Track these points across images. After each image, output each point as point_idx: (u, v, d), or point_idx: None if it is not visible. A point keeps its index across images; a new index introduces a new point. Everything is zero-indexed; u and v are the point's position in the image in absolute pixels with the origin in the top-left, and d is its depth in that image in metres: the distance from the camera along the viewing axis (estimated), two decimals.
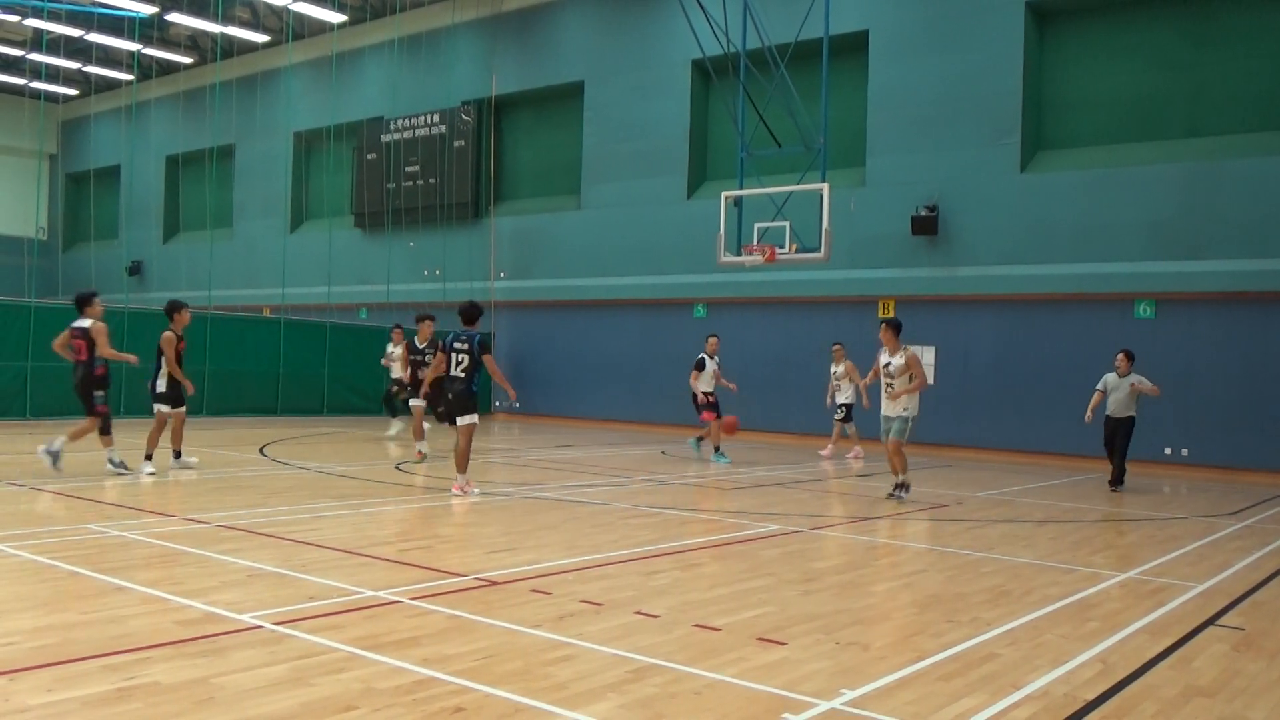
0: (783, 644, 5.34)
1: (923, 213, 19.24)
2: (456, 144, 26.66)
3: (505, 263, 26.09)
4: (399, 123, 27.93)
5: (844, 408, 17.71)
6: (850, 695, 4.53)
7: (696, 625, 5.65)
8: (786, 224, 16.69)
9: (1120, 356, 13.90)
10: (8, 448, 14.22)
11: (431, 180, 27.11)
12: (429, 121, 27.29)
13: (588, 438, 20.60)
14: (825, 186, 16.23)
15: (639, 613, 5.89)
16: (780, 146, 17.91)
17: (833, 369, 17.68)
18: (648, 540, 8.53)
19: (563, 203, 25.48)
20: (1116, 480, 13.96)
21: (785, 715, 4.24)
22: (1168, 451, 17.30)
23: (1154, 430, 17.31)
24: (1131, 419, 13.86)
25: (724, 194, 17.62)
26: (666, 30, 22.78)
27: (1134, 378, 13.76)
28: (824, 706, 4.36)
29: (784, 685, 4.63)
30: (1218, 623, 6.30)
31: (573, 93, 25.08)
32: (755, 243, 17.04)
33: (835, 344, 17.70)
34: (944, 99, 19.40)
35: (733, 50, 17.92)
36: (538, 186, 26.44)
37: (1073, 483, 14.98)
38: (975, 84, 19.08)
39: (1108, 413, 13.89)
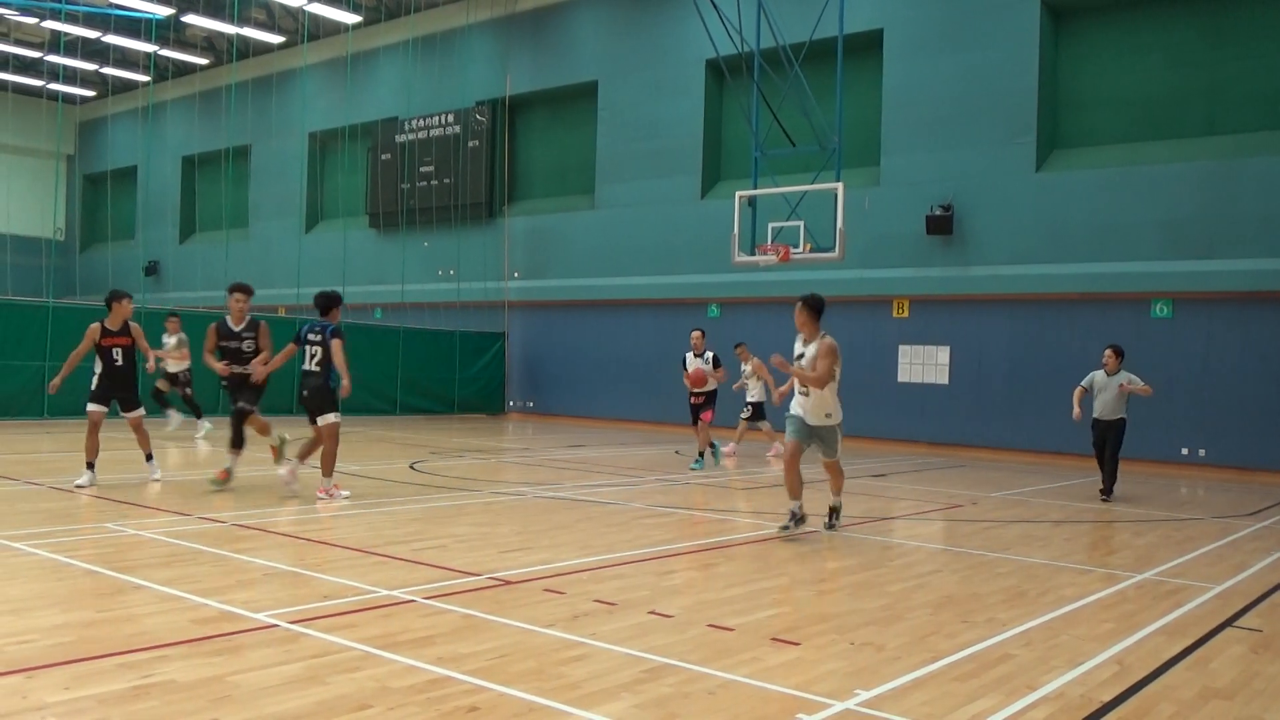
0: (797, 644, 5.33)
1: (937, 212, 19.18)
2: (471, 144, 26.71)
3: (519, 262, 26.12)
4: (413, 123, 28.00)
5: (750, 406, 17.24)
6: (865, 696, 4.52)
7: (710, 625, 5.65)
8: (801, 224, 16.66)
9: (1108, 353, 12.73)
10: (26, 447, 14.32)
11: (446, 180, 27.17)
12: (443, 122, 27.35)
13: (601, 437, 20.61)
14: (840, 186, 16.20)
15: (653, 612, 5.89)
16: (794, 146, 17.88)
17: (742, 368, 16.91)
18: (661, 540, 8.53)
19: (576, 202, 25.50)
20: (1108, 490, 12.74)
21: (799, 716, 4.23)
22: (1185, 452, 17.20)
23: (1171, 430, 17.22)
24: (1122, 422, 12.69)
25: (738, 193, 17.60)
26: (680, 30, 22.77)
27: (1124, 377, 12.56)
28: (838, 707, 4.35)
29: (798, 685, 4.62)
30: (1236, 624, 6.25)
31: (587, 92, 25.09)
32: (769, 242, 17.02)
33: (738, 344, 16.78)
34: (959, 98, 19.33)
35: (747, 50, 17.90)
36: (552, 186, 26.46)
37: (1089, 483, 14.90)
38: (990, 83, 19.01)
39: (1095, 415, 12.78)
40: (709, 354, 15.11)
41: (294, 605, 5.73)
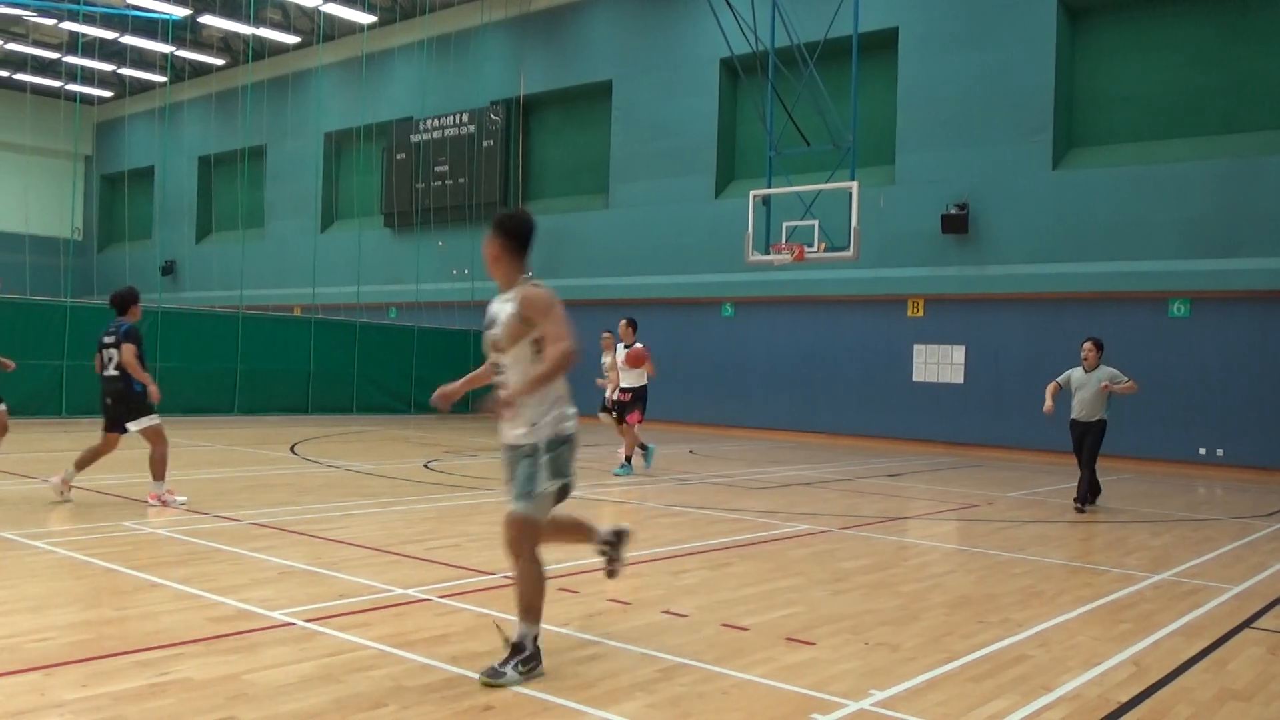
0: (811, 644, 5.32)
1: (953, 211, 19.11)
2: (485, 144, 26.77)
3: (533, 262, 26.00)
4: (428, 123, 28.07)
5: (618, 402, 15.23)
6: (879, 696, 4.50)
7: (725, 625, 5.64)
8: (815, 223, 16.63)
9: (1087, 346, 11.50)
10: (44, 446, 14.41)
11: (460, 180, 27.23)
12: (458, 121, 27.41)
13: (614, 437, 20.57)
14: (854, 185, 16.18)
15: (667, 612, 5.89)
16: (809, 145, 17.85)
17: (602, 360, 14.66)
18: (675, 539, 8.53)
19: (590, 202, 25.52)
20: (1083, 499, 11.42)
21: (814, 715, 4.22)
22: (1202, 452, 17.09)
23: (1189, 430, 17.11)
24: (1102, 424, 11.42)
25: (752, 193, 17.59)
26: (695, 29, 22.75)
27: (1105, 374, 11.34)
28: (853, 707, 4.34)
29: (812, 685, 4.61)
30: (1254, 625, 6.21)
31: (601, 92, 25.11)
32: (784, 241, 17.00)
33: (605, 332, 14.76)
34: (975, 96, 19.26)
35: (761, 49, 17.88)
36: (566, 186, 26.49)
37: (1104, 483, 14.82)
38: (1006, 80, 18.93)
39: (1073, 416, 11.51)
40: (638, 346, 13.51)
41: (309, 604, 5.76)
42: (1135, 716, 4.42)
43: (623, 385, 13.42)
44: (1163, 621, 6.17)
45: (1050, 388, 11.76)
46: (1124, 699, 4.62)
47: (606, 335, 14.38)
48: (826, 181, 17.21)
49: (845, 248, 16.09)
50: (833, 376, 20.83)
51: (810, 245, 16.53)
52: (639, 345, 13.35)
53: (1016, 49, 18.86)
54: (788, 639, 5.40)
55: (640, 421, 13.44)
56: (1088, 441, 11.44)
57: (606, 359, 14.28)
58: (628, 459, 13.44)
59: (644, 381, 13.52)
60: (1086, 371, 11.45)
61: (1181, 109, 17.98)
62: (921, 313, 19.86)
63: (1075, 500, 11.45)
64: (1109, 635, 5.78)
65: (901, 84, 20.25)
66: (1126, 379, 11.38)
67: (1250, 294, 16.70)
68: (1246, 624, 6.23)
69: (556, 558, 7.45)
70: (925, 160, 19.86)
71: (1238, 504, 13.05)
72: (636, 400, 13.44)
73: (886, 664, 5.03)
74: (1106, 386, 11.27)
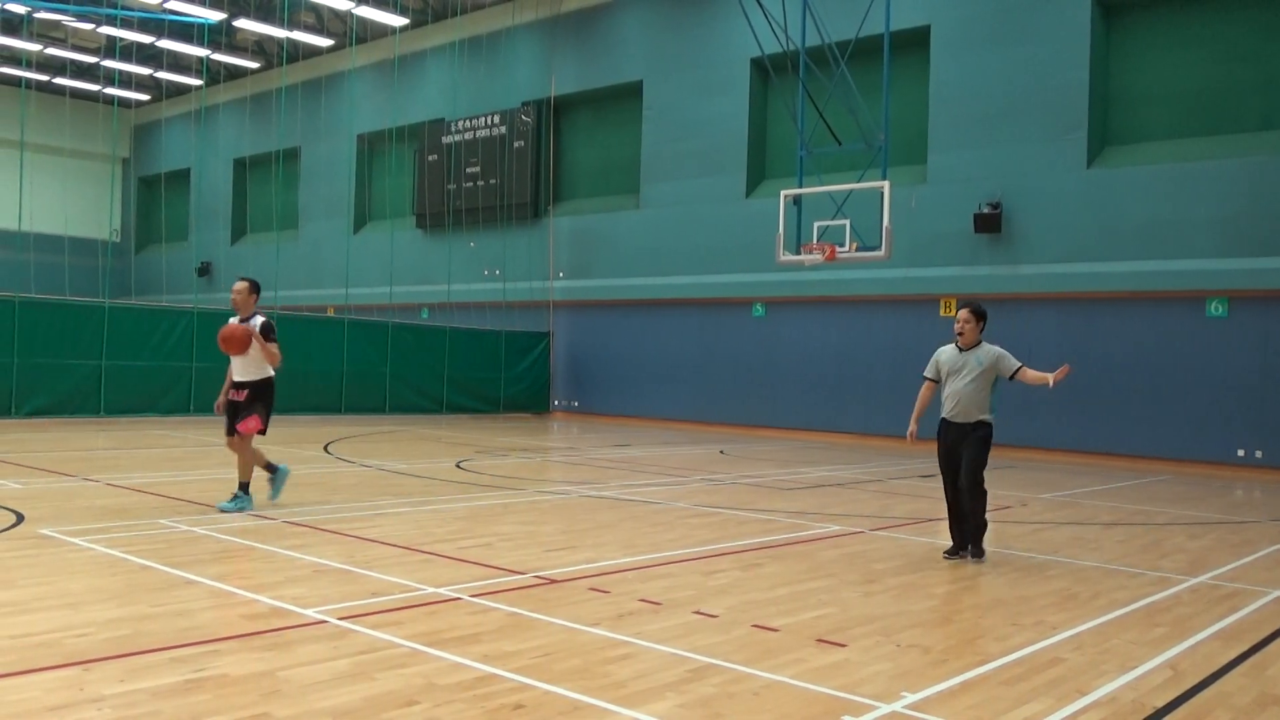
0: (843, 645, 5.29)
1: (985, 210, 18.97)
2: (516, 144, 26.86)
3: (564, 262, 26.21)
4: (460, 124, 28.20)
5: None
6: (911, 698, 4.48)
7: (755, 625, 5.63)
8: (846, 222, 16.56)
9: (963, 315, 8.02)
10: (82, 444, 14.62)
11: (492, 181, 27.35)
12: (489, 123, 27.53)
13: (646, 437, 20.63)
14: (886, 184, 16.09)
15: (698, 612, 5.88)
16: (840, 144, 17.78)
17: None
18: (706, 540, 8.52)
19: (621, 202, 25.54)
20: (964, 541, 7.93)
21: (845, 717, 4.21)
22: (1240, 453, 16.85)
23: (1226, 431, 16.88)
24: (983, 429, 7.92)
25: (783, 192, 17.54)
26: (725, 29, 22.72)
27: (987, 354, 7.91)
28: (884, 709, 4.32)
29: (843, 687, 4.59)
30: None
31: (631, 92, 25.13)
32: (815, 241, 16.94)
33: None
34: (1008, 94, 19.10)
35: (792, 48, 17.83)
36: (596, 186, 26.53)
37: (1140, 484, 14.66)
38: (1040, 78, 18.76)
39: (943, 415, 8.06)
40: (257, 319, 9.19)
41: (343, 602, 5.80)
42: None
43: (235, 379, 9.23)
44: (1200, 625, 6.09)
45: (922, 394, 8.31)
46: (1160, 703, 4.57)
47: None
48: (858, 181, 17.13)
49: (877, 247, 16.01)
50: (864, 377, 20.72)
51: (842, 245, 16.46)
52: (259, 319, 9.18)
53: (1050, 46, 18.68)
54: (819, 640, 5.38)
55: (261, 431, 9.17)
56: (964, 453, 7.89)
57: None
58: (244, 486, 9.19)
59: (266, 374, 9.25)
60: (961, 351, 8.03)
61: (1218, 106, 17.74)
62: (954, 313, 19.68)
63: (947, 551, 8.01)
64: (1145, 639, 5.71)
65: (933, 82, 20.11)
66: (1018, 363, 8.03)
67: None
68: None
69: (588, 558, 7.47)
70: (957, 159, 19.71)
71: (1277, 506, 12.85)
72: (255, 401, 9.19)
73: (919, 666, 5.00)
74: (991, 367, 7.83)
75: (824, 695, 4.48)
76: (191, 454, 14.03)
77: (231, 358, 9.17)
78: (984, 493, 7.97)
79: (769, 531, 9.12)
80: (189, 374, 20.17)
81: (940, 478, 8.26)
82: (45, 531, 7.69)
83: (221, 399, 9.24)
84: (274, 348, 9.09)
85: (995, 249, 19.15)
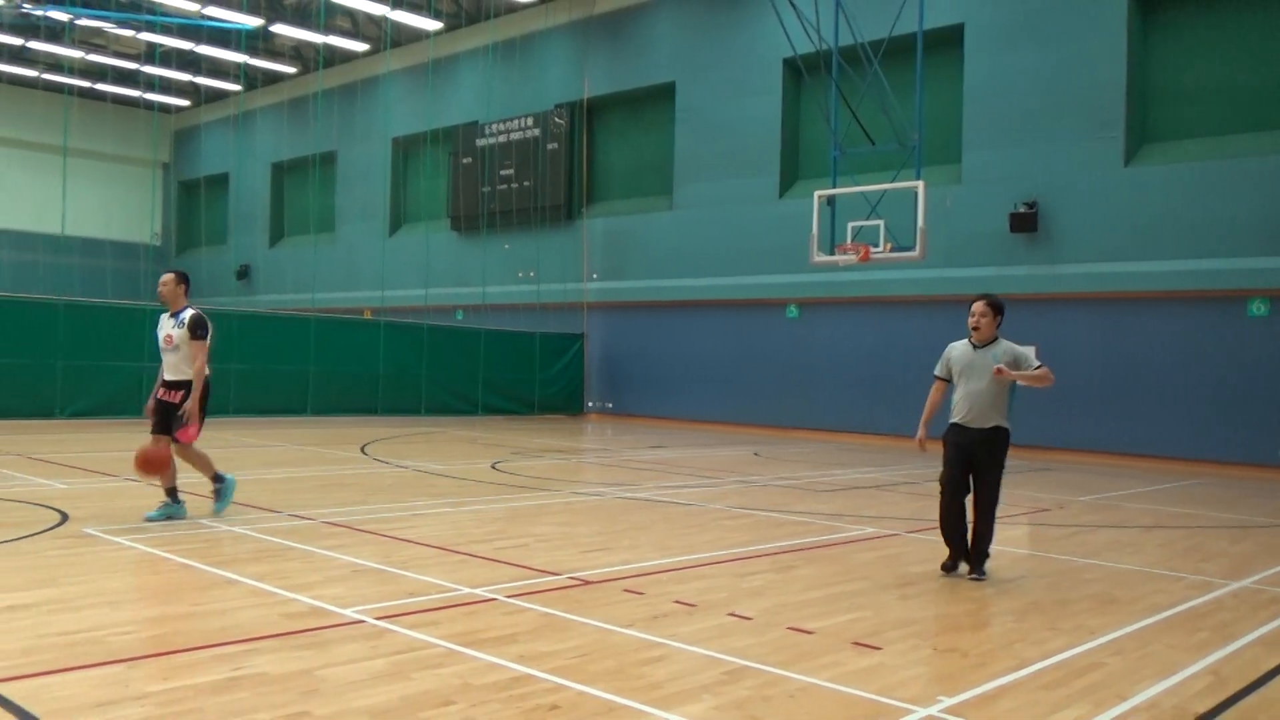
0: (878, 649, 5.27)
1: (1021, 209, 18.80)
2: (550, 147, 26.95)
3: (598, 264, 26.27)
4: (493, 127, 28.35)
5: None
6: (948, 702, 4.45)
7: (791, 628, 5.62)
8: (881, 222, 16.48)
9: (978, 308, 7.36)
10: (124, 445, 14.83)
11: (525, 183, 27.46)
12: (523, 125, 27.65)
13: (680, 438, 20.62)
14: (920, 184, 16.00)
15: (732, 614, 5.88)
16: (874, 144, 17.70)
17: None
18: (741, 542, 8.51)
19: (654, 203, 25.56)
20: (961, 555, 7.34)
21: None
22: None
23: (1269, 433, 16.61)
24: (999, 435, 7.26)
25: (816, 193, 17.48)
26: (758, 29, 22.68)
27: (1003, 351, 7.26)
28: (921, 713, 4.30)
29: (879, 690, 4.58)
30: None
31: (664, 93, 25.14)
32: (849, 242, 16.87)
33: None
34: (1043, 92, 18.91)
35: (825, 48, 17.77)
36: (630, 187, 26.57)
37: (1181, 487, 14.47)
38: (1075, 75, 18.56)
39: (955, 418, 7.37)
40: (186, 312, 8.53)
41: (380, 602, 5.86)
42: None
43: (166, 378, 8.58)
44: (1242, 630, 6.01)
45: (932, 397, 7.68)
46: (1202, 709, 4.51)
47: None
48: (892, 181, 17.04)
49: (911, 248, 15.91)
50: (899, 378, 20.59)
51: (876, 245, 16.38)
52: (189, 312, 8.52)
53: (1086, 43, 18.48)
54: (854, 643, 5.36)
55: (192, 439, 8.51)
56: (982, 462, 7.24)
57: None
58: (171, 493, 8.58)
59: (200, 373, 8.50)
60: (975, 348, 7.39)
61: (1258, 101, 17.45)
62: None
63: (945, 566, 7.38)
64: (1186, 644, 5.64)
65: (967, 81, 19.96)
66: (1039, 364, 7.39)
67: None
68: None
69: (622, 559, 7.48)
70: (992, 158, 19.55)
71: None
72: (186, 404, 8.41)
73: (955, 670, 4.98)
74: (1001, 371, 7.11)
75: (860, 698, 4.46)
76: (232, 455, 14.20)
77: (163, 355, 8.53)
78: (995, 511, 7.34)
79: (803, 533, 9.09)
80: (229, 376, 20.41)
81: (942, 486, 7.35)
82: (89, 531, 7.82)
83: (151, 400, 8.61)
84: (202, 350, 8.38)
85: (1031, 249, 18.97)
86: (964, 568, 7.40)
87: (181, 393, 8.49)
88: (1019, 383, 7.36)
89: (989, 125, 19.63)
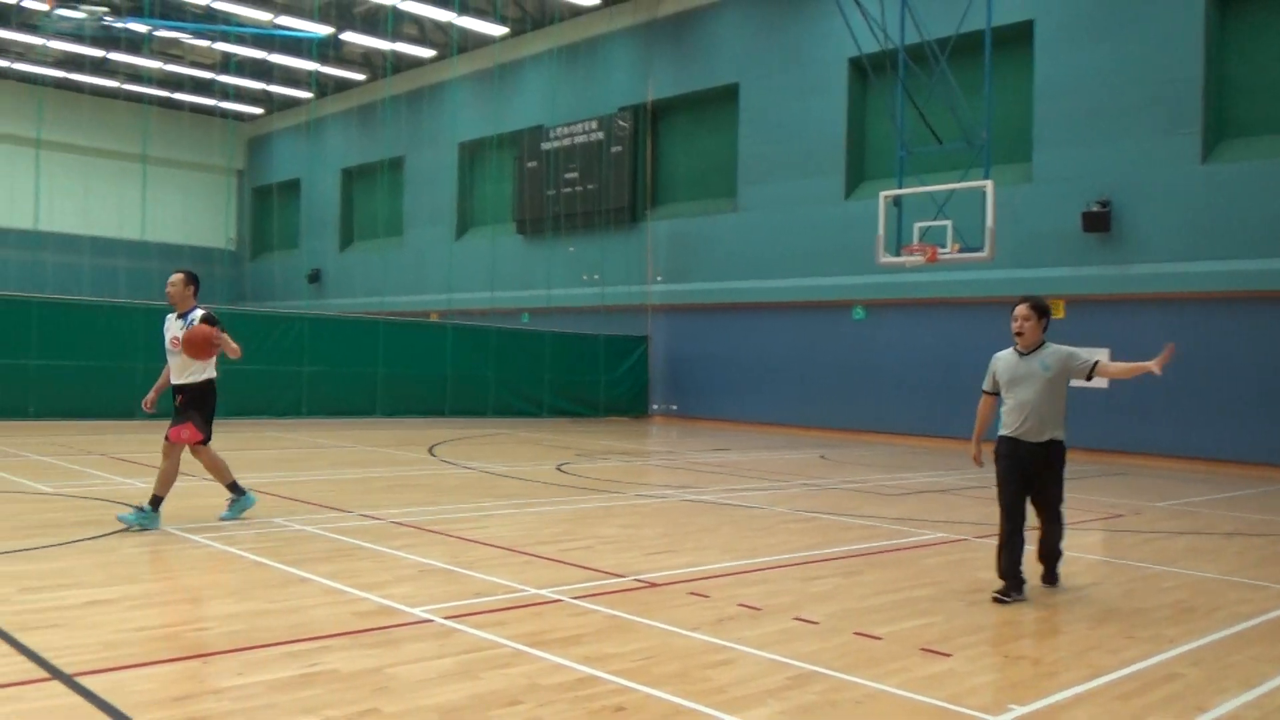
0: (947, 655, 5.20)
1: (1094, 208, 18.39)
2: (614, 150, 27.04)
3: (662, 266, 26.29)
4: (558, 130, 28.52)
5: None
6: (1019, 711, 4.38)
7: (857, 633, 5.57)
8: (948, 223, 16.26)
9: (1021, 311, 6.86)
10: None
11: (590, 186, 27.58)
12: (587, 129, 27.77)
13: (745, 441, 20.54)
14: (989, 184, 15.75)
15: (798, 618, 5.84)
16: (941, 143, 17.47)
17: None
18: (807, 545, 8.45)
19: (719, 205, 25.51)
20: (1017, 584, 6.61)
21: None
22: None
23: None
24: (1056, 448, 6.83)
25: (882, 193, 17.31)
26: (823, 29, 22.51)
27: (1053, 354, 6.80)
28: None
29: (948, 698, 4.51)
30: None
31: (728, 95, 25.08)
32: (916, 243, 16.67)
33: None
34: (1116, 88, 18.48)
35: (891, 46, 17.59)
36: (694, 190, 26.55)
37: (1262, 493, 14.03)
38: (1150, 70, 18.11)
39: (1005, 431, 6.87)
40: (195, 313, 8.38)
41: (447, 601, 5.93)
42: None
43: (173, 381, 8.51)
44: None
45: (982, 409, 7.16)
46: None
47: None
48: (960, 180, 16.80)
49: (980, 248, 15.67)
50: (967, 381, 20.20)
51: (943, 246, 16.17)
52: (199, 312, 8.38)
53: (1161, 37, 18.02)
54: (923, 649, 5.29)
55: (203, 441, 8.37)
56: (1046, 487, 6.83)
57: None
58: (232, 488, 8.65)
59: (207, 375, 8.47)
60: (1021, 355, 6.89)
61: None
62: (1062, 314, 19.16)
63: (1000, 592, 6.56)
64: (1269, 655, 5.47)
65: (1038, 78, 19.58)
66: (1092, 358, 6.92)
67: None
68: None
69: (687, 561, 7.48)
70: (1064, 156, 19.15)
71: None
72: (191, 406, 8.40)
73: (1027, 678, 4.89)
74: (1068, 363, 6.73)
75: (928, 706, 4.41)
76: (303, 455, 14.49)
77: (169, 357, 8.44)
78: (1064, 523, 7.04)
79: (870, 538, 9.00)
80: (301, 377, 20.84)
81: (1001, 503, 6.79)
82: (168, 529, 8.03)
83: (151, 395, 8.54)
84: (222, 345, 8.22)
85: (1104, 248, 18.55)
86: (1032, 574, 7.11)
87: (183, 395, 8.40)
88: (1110, 376, 7.02)
89: (1060, 123, 19.24)
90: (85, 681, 4.32)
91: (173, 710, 4.03)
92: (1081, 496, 12.79)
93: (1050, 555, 7.03)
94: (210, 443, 8.46)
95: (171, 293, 8.51)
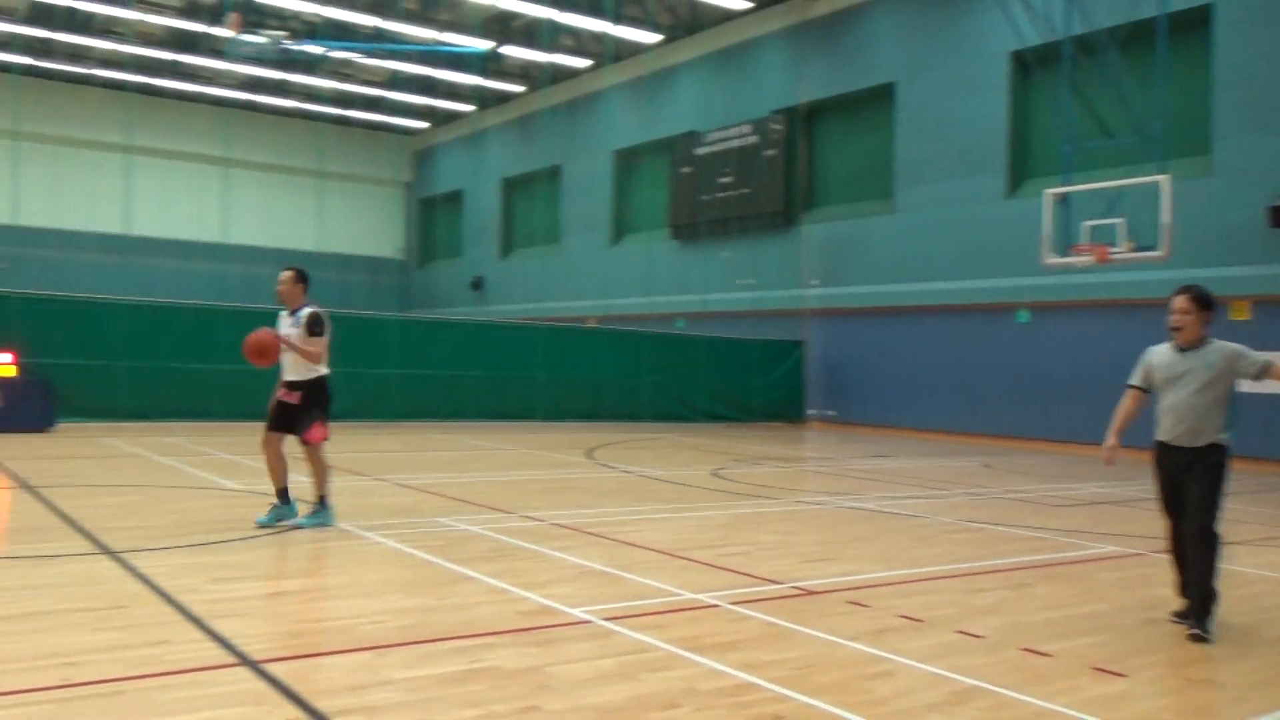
0: (1122, 675, 4.98)
1: None
2: (767, 153, 26.91)
3: (818, 269, 25.99)
4: (712, 135, 28.58)
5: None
6: None
7: (1024, 649, 5.39)
8: (1120, 221, 15.53)
9: (1179, 303, 6.20)
10: (374, 446, 15.89)
11: (744, 190, 27.53)
12: (740, 133, 27.73)
13: (904, 448, 20.10)
14: (1165, 178, 14.96)
15: (961, 632, 5.70)
16: (1111, 137, 16.69)
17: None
18: (969, 556, 8.23)
19: (875, 207, 25.05)
20: (1188, 611, 5.91)
21: None
22: None
23: None
24: (1215, 452, 5.99)
25: (1047, 191, 16.68)
26: (982, 23, 21.83)
27: (1218, 352, 6.10)
28: None
29: None
30: None
31: (883, 94, 24.61)
32: (1084, 242, 15.98)
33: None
34: None
35: (1055, 38, 16.92)
36: (849, 192, 26.15)
37: None
38: None
39: (1161, 436, 6.24)
40: (304, 310, 8.36)
41: (606, 603, 6.03)
42: None
43: (286, 379, 8.41)
44: None
45: (1125, 406, 6.48)
46: None
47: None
48: (1131, 176, 16.00)
49: (1155, 247, 14.91)
50: None
51: (1114, 245, 15.45)
52: (307, 309, 8.33)
53: None
54: (1095, 669, 5.08)
55: (325, 439, 8.44)
56: (1195, 485, 5.97)
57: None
58: (281, 494, 8.39)
59: (320, 371, 8.38)
60: (1180, 351, 6.23)
61: None
62: (1247, 315, 18.00)
63: (1176, 613, 6.12)
64: None
65: (1218, 65, 18.46)
66: (1264, 357, 6.13)
67: None
68: None
69: (845, 570, 7.38)
70: (1248, 147, 17.98)
71: None
72: (312, 405, 8.37)
73: (1210, 703, 4.63)
74: (1237, 359, 6.04)
75: None
76: (469, 457, 14.98)
77: (281, 355, 8.24)
78: (1216, 544, 5.86)
79: (1038, 550, 8.69)
80: (465, 382, 21.57)
81: (1163, 515, 6.31)
82: (343, 526, 8.44)
83: (272, 400, 8.44)
84: (316, 345, 8.14)
85: None
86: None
87: (300, 393, 8.29)
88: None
89: (1243, 112, 18.08)
90: (270, 669, 4.60)
91: (349, 699, 4.25)
92: (1271, 511, 11.99)
93: (1198, 590, 5.83)
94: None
95: (282, 290, 8.45)
